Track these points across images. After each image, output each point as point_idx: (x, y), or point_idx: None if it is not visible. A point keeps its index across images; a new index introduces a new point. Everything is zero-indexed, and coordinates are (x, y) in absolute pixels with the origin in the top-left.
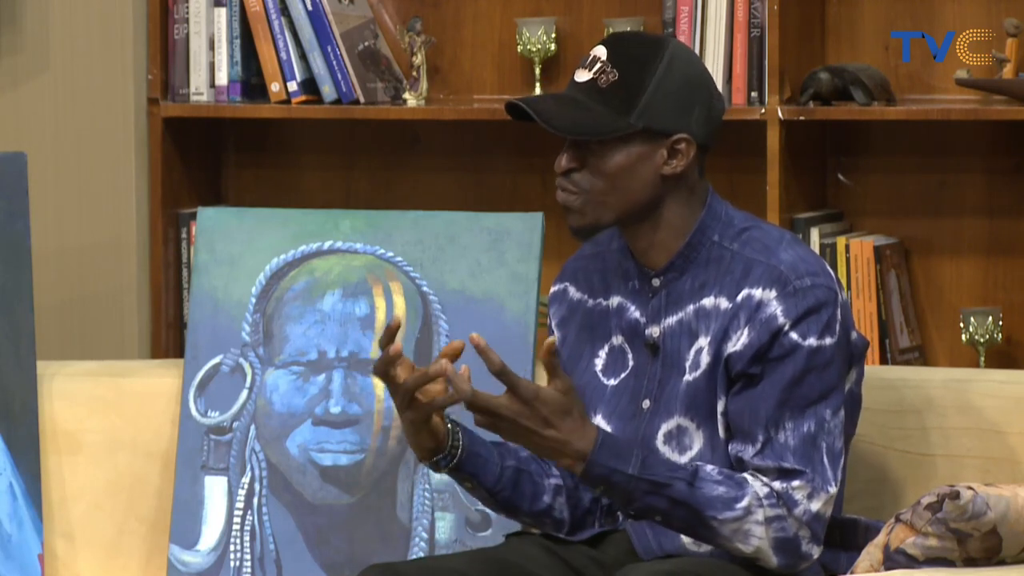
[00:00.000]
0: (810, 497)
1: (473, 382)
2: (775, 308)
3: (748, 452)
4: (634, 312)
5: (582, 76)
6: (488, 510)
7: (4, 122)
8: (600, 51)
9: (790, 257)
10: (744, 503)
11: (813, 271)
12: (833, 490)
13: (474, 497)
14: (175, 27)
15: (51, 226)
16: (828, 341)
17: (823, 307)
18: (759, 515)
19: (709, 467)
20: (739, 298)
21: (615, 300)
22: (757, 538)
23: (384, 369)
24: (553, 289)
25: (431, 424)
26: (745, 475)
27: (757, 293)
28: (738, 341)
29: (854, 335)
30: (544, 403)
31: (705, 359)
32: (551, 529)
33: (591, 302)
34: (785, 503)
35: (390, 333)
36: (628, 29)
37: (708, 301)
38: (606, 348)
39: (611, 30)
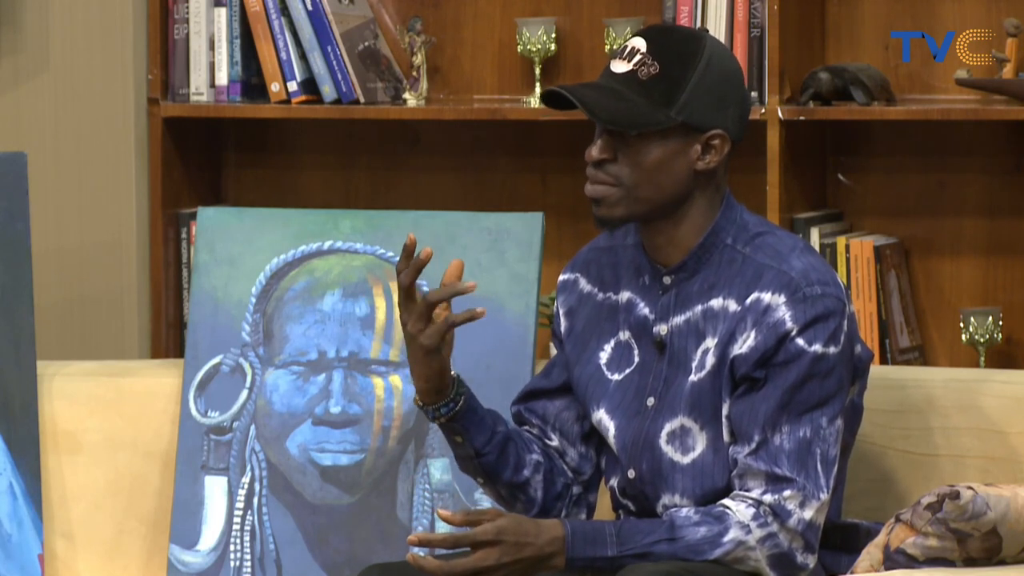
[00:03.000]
0: (802, 506)
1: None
2: (783, 313)
3: (742, 452)
4: (643, 309)
5: (620, 67)
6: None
7: (4, 122)
8: (639, 43)
9: (802, 264)
10: (730, 536)
11: (824, 280)
12: (825, 497)
13: (458, 455)
14: (175, 27)
15: (51, 226)
16: (832, 350)
17: (831, 316)
18: (750, 540)
19: (684, 511)
20: (748, 301)
21: (625, 295)
22: (753, 560)
23: (411, 280)
24: (563, 277)
25: (443, 358)
26: (724, 504)
27: (766, 297)
28: (744, 344)
29: (859, 348)
30: (506, 531)
31: (710, 360)
32: (522, 507)
33: (600, 295)
34: (777, 515)
35: (410, 250)
36: (628, 32)
37: (716, 302)
38: (612, 342)
39: (611, 30)
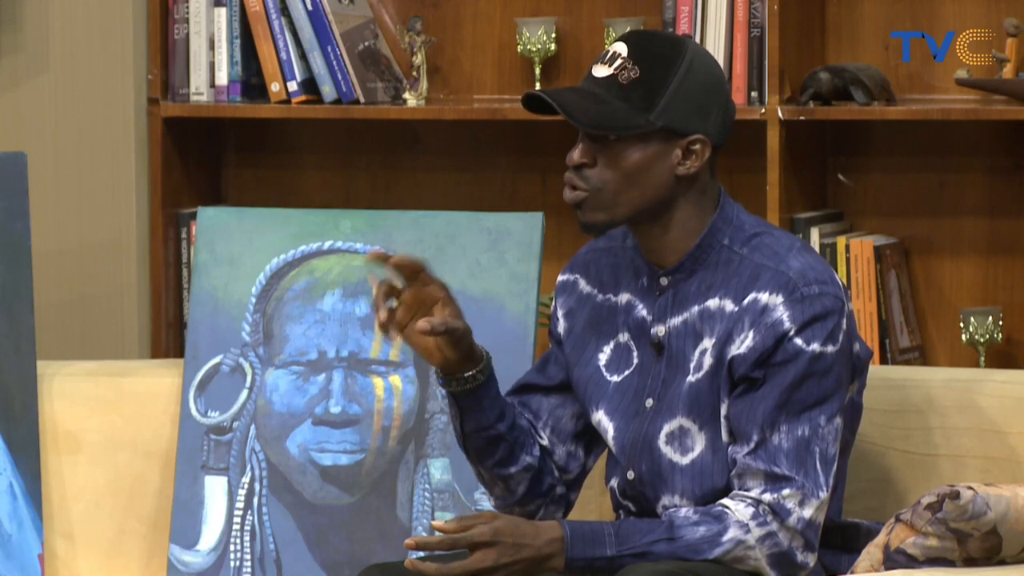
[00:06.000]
0: (802, 504)
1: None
2: (781, 313)
3: (741, 451)
4: (641, 310)
5: (601, 71)
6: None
7: (4, 122)
8: (620, 47)
9: (799, 264)
10: (729, 535)
11: (822, 279)
12: (824, 496)
13: (451, 423)
14: (175, 27)
15: (51, 226)
16: (830, 349)
17: (829, 315)
18: (749, 540)
19: (683, 511)
20: (745, 302)
21: (624, 297)
22: (753, 560)
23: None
24: (562, 278)
25: (466, 348)
26: (723, 504)
27: (764, 297)
28: (742, 344)
29: (857, 346)
30: (503, 532)
31: (708, 361)
32: (500, 494)
33: (600, 297)
34: (777, 514)
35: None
36: (629, 29)
37: (713, 303)
38: (611, 344)
39: (611, 30)
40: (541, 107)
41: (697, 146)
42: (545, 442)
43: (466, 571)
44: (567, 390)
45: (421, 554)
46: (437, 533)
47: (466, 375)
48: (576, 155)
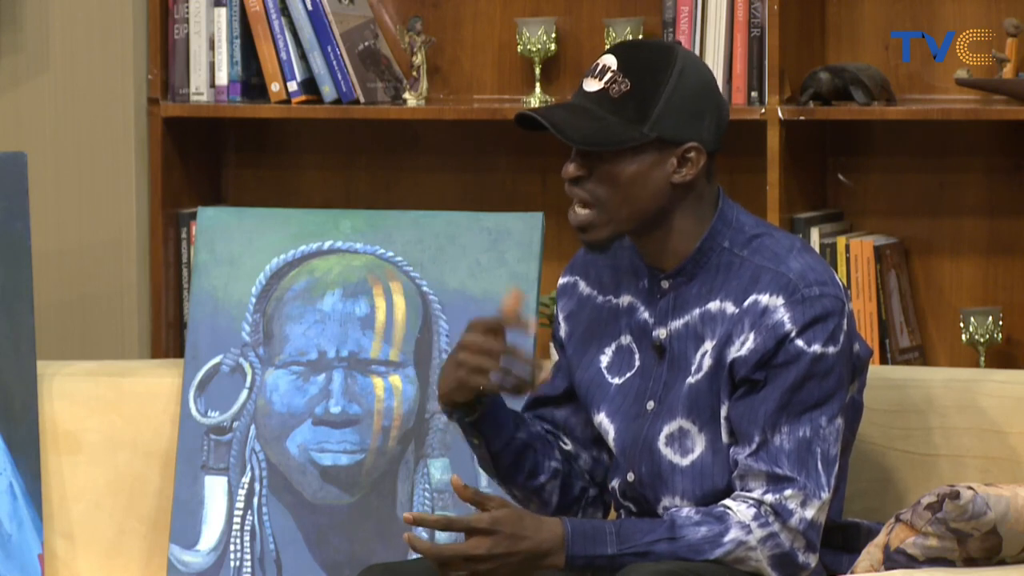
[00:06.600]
0: (804, 505)
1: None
2: (782, 315)
3: (743, 453)
4: (643, 313)
5: (592, 85)
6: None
7: (4, 122)
8: (609, 60)
9: (799, 265)
10: (731, 536)
11: (822, 280)
12: (826, 496)
13: (474, 453)
14: (175, 27)
15: (51, 226)
16: (831, 350)
17: (830, 316)
18: (751, 540)
19: (685, 511)
20: (746, 304)
21: (625, 299)
22: (755, 560)
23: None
24: (562, 281)
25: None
26: (725, 504)
27: (764, 299)
28: (743, 346)
29: (857, 346)
30: (502, 522)
31: (708, 362)
32: (536, 509)
33: (601, 298)
34: (779, 515)
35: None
36: (628, 32)
37: (714, 305)
38: (613, 346)
39: (611, 30)
40: (534, 125)
41: (692, 154)
42: (570, 447)
43: (457, 555)
44: (575, 398)
45: (420, 532)
46: (439, 513)
47: (482, 399)
48: (571, 169)
